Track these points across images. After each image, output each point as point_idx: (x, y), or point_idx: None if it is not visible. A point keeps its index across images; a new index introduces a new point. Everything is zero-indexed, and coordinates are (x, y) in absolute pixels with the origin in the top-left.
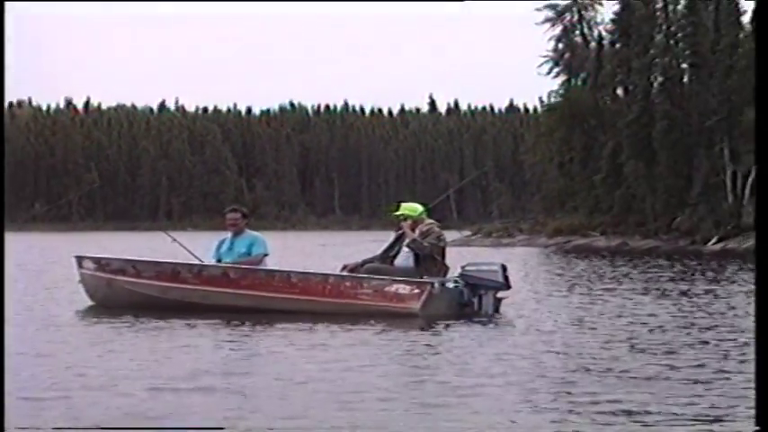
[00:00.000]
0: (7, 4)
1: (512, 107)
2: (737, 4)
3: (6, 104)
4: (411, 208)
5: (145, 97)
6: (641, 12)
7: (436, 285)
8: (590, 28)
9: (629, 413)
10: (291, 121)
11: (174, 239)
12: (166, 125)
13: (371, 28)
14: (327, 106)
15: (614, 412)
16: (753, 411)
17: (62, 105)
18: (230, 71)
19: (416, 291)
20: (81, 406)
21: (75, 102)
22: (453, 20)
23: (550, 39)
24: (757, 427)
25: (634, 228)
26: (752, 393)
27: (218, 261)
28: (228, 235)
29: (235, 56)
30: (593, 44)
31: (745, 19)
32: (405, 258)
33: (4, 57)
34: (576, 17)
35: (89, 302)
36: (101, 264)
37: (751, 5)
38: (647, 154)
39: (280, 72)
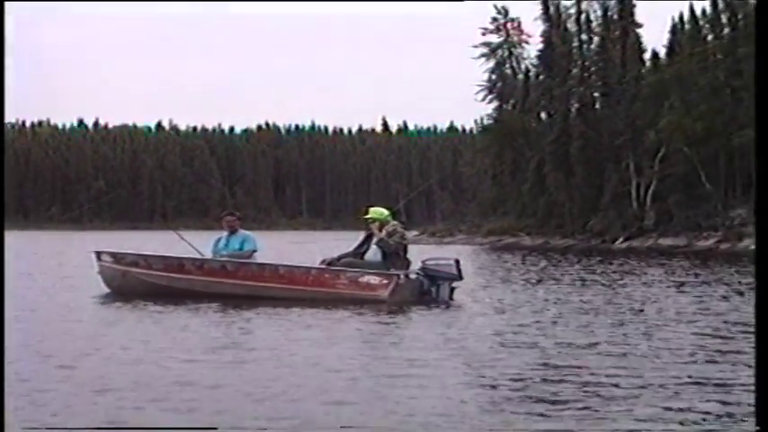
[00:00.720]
0: (28, 36)
1: (452, 128)
2: (641, 44)
3: (29, 124)
4: (378, 212)
5: (144, 118)
6: (561, 49)
7: (402, 277)
8: (518, 62)
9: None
10: (267, 139)
11: (182, 237)
12: (162, 142)
13: (334, 62)
14: (297, 126)
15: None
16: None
17: (75, 125)
18: (216, 97)
19: (385, 281)
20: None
21: (86, 121)
22: (403, 55)
23: (485, 71)
24: (757, 427)
25: (554, 229)
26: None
27: (216, 255)
28: (225, 233)
29: (219, 84)
30: (520, 76)
31: (647, 56)
32: (374, 254)
33: (4, 57)
34: (506, 53)
35: (106, 290)
36: (117, 258)
37: (654, 42)
38: (565, 167)
39: (257, 98)
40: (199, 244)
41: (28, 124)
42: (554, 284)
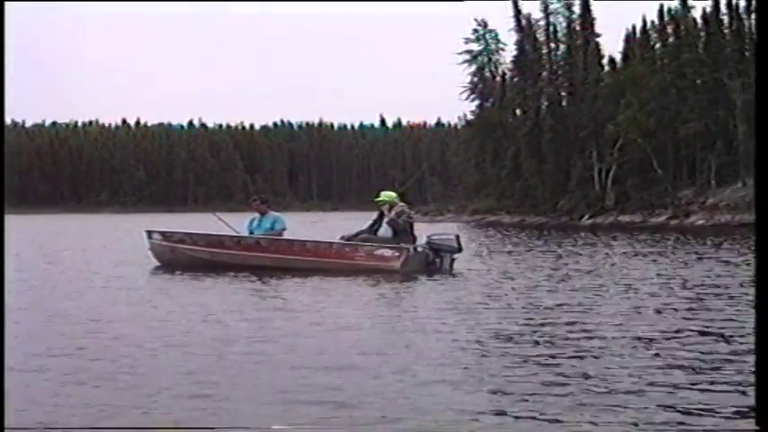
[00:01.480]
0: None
1: (439, 123)
2: (600, 50)
3: (80, 124)
4: (389, 195)
5: (178, 117)
6: (532, 56)
7: (411, 250)
8: (496, 67)
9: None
10: (282, 134)
11: (221, 219)
12: (193, 137)
13: (339, 66)
14: (308, 123)
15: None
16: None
17: (119, 124)
18: (239, 98)
19: (397, 254)
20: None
21: (128, 121)
22: (397, 60)
23: (468, 74)
24: (757, 427)
25: (529, 208)
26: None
27: (251, 234)
28: (257, 215)
29: (242, 87)
30: (498, 78)
31: (605, 60)
32: (385, 231)
33: (4, 57)
34: (486, 59)
35: (156, 263)
36: (166, 236)
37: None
38: (538, 156)
39: (274, 99)
40: (232, 224)
41: (80, 124)
42: (534, 254)
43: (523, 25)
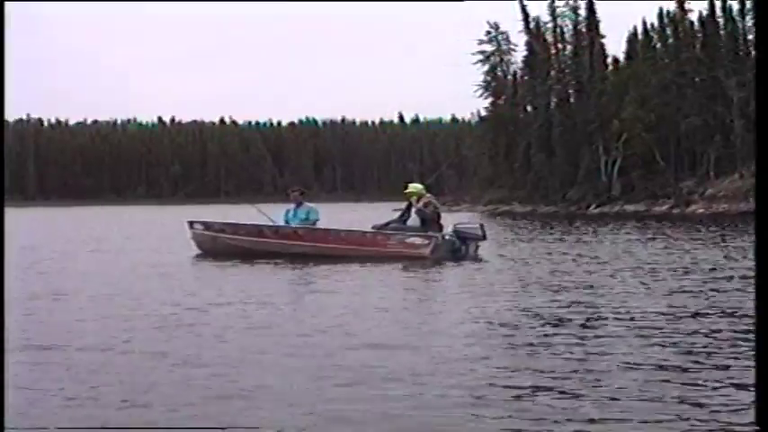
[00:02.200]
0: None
1: (454, 119)
2: (604, 50)
3: (119, 122)
4: (416, 187)
5: (210, 115)
6: (541, 56)
7: (439, 238)
8: (507, 66)
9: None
10: (308, 130)
11: (260, 210)
12: (224, 133)
13: (361, 66)
14: (332, 119)
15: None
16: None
17: (156, 121)
18: (267, 97)
19: (426, 242)
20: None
21: (164, 119)
22: (415, 60)
23: (481, 73)
24: (757, 427)
25: (540, 199)
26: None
27: (287, 223)
28: (292, 206)
29: (269, 86)
30: (510, 77)
31: (610, 60)
32: (413, 221)
33: (4, 57)
34: (498, 59)
35: (197, 251)
36: (207, 225)
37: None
38: (548, 149)
39: (299, 97)
40: (276, 215)
41: (119, 122)
42: (551, 241)
43: (532, 28)
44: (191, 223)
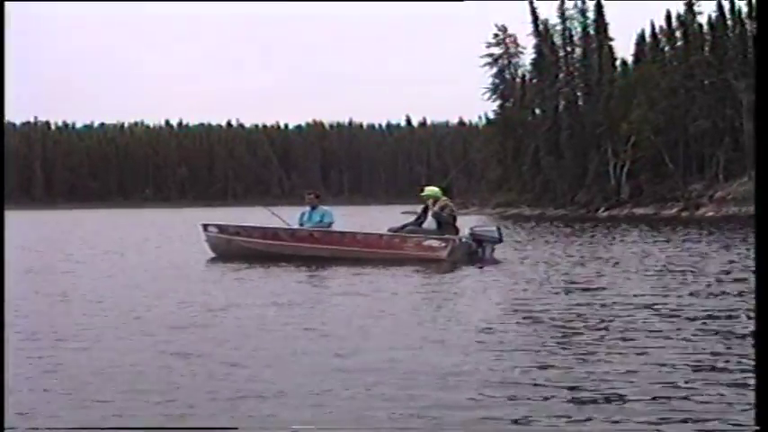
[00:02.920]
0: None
1: (461, 122)
2: (613, 53)
3: (127, 125)
4: (433, 190)
5: (217, 118)
6: (550, 58)
7: (456, 240)
8: (516, 69)
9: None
10: (315, 133)
11: (274, 213)
12: (231, 136)
13: (368, 69)
14: (339, 123)
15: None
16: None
17: (163, 124)
18: (274, 100)
19: (443, 244)
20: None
21: (171, 122)
22: (422, 63)
23: (489, 76)
24: (757, 427)
25: (549, 202)
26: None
27: (301, 226)
28: (307, 208)
29: (276, 90)
30: (518, 79)
31: (618, 63)
32: (430, 224)
33: (4, 57)
34: (506, 62)
35: (211, 254)
36: (222, 228)
37: (624, 52)
38: (556, 152)
39: (307, 100)
40: (290, 218)
41: (126, 125)
42: (566, 244)
43: (541, 30)
44: (205, 226)
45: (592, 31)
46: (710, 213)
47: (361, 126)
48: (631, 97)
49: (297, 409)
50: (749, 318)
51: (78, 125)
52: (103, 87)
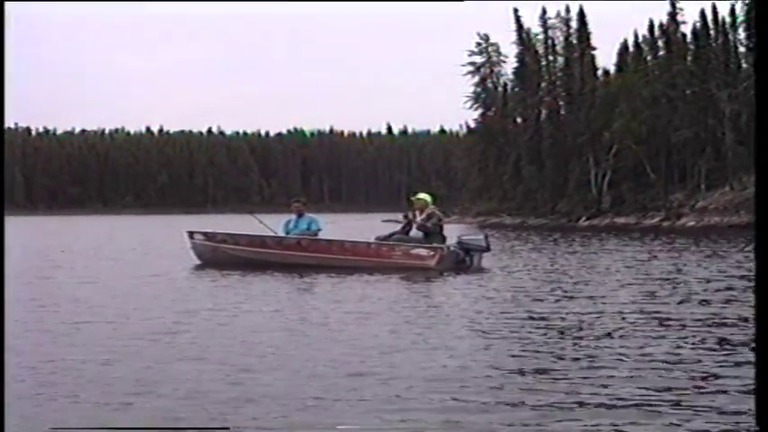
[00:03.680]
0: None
1: (442, 131)
2: (595, 63)
3: (107, 131)
4: (424, 197)
5: (198, 125)
6: (532, 67)
7: (445, 249)
8: (498, 78)
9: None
10: (295, 140)
11: (260, 221)
12: (212, 143)
13: (348, 77)
14: (320, 130)
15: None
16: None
17: (144, 131)
18: (254, 107)
19: (432, 253)
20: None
21: (152, 128)
22: (403, 72)
23: (471, 84)
24: (757, 427)
25: (530, 211)
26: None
27: (288, 234)
28: (293, 216)
29: (257, 97)
30: (500, 88)
31: (600, 72)
32: (416, 233)
33: (4, 57)
34: (488, 71)
35: (197, 262)
36: (208, 236)
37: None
38: (538, 161)
39: (287, 107)
40: (276, 225)
41: (107, 132)
42: (552, 253)
43: (524, 39)
44: (191, 233)
45: (574, 41)
46: (692, 223)
47: (341, 134)
48: (613, 107)
49: (286, 413)
50: (742, 323)
51: (59, 131)
52: (84, 94)
